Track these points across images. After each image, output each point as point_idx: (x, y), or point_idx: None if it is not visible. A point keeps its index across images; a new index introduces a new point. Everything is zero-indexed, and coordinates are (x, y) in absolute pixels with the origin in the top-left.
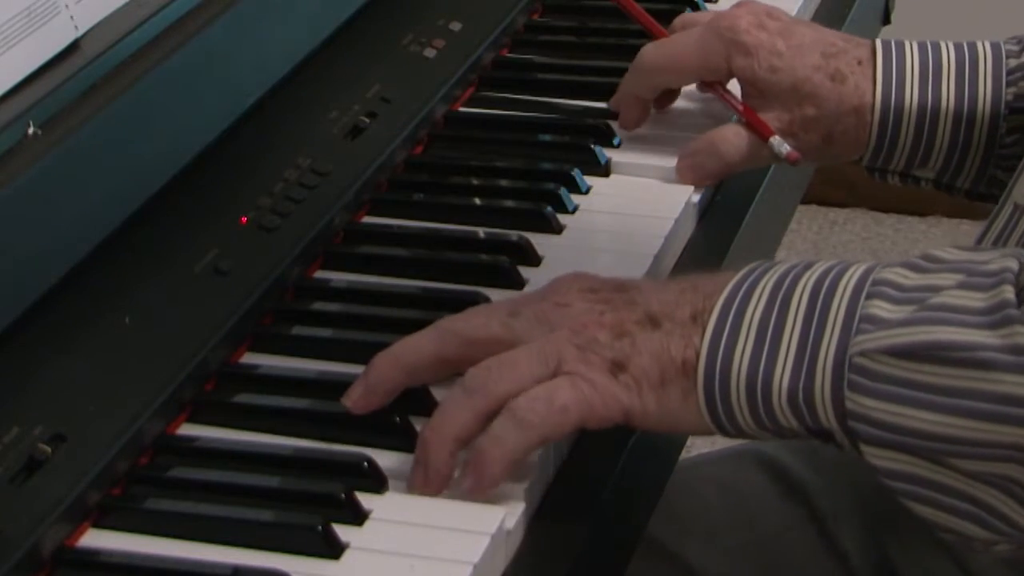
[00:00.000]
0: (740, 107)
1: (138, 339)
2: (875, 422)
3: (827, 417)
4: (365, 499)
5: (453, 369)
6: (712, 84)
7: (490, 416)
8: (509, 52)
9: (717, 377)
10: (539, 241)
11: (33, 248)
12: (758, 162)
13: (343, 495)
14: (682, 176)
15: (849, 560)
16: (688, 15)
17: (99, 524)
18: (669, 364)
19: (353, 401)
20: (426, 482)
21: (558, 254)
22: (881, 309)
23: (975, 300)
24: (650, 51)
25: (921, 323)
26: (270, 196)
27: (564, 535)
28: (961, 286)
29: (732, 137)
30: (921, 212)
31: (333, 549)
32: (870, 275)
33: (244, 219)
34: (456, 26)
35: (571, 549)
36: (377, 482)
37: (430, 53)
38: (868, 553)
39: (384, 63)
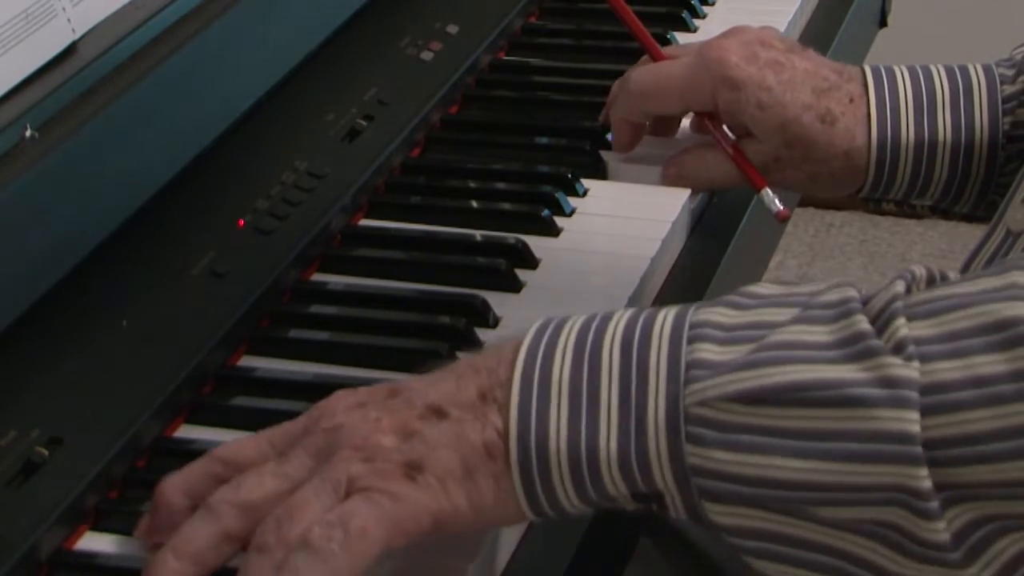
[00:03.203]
0: (731, 150)
1: (135, 342)
2: (727, 476)
3: (663, 478)
4: None
5: (246, 542)
6: (703, 120)
7: None
8: (506, 55)
9: (534, 452)
10: (536, 244)
11: (30, 251)
12: (743, 184)
13: None
14: (666, 182)
15: None
16: (683, 45)
17: (97, 527)
18: (470, 451)
19: None
20: None
21: (555, 257)
22: (710, 352)
23: (820, 334)
24: (638, 75)
25: (766, 364)
26: (267, 199)
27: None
28: (798, 320)
29: (716, 163)
30: (918, 215)
31: None
32: (686, 319)
33: (241, 222)
34: (453, 29)
35: (579, 526)
36: None
37: (427, 56)
38: None
39: (381, 66)
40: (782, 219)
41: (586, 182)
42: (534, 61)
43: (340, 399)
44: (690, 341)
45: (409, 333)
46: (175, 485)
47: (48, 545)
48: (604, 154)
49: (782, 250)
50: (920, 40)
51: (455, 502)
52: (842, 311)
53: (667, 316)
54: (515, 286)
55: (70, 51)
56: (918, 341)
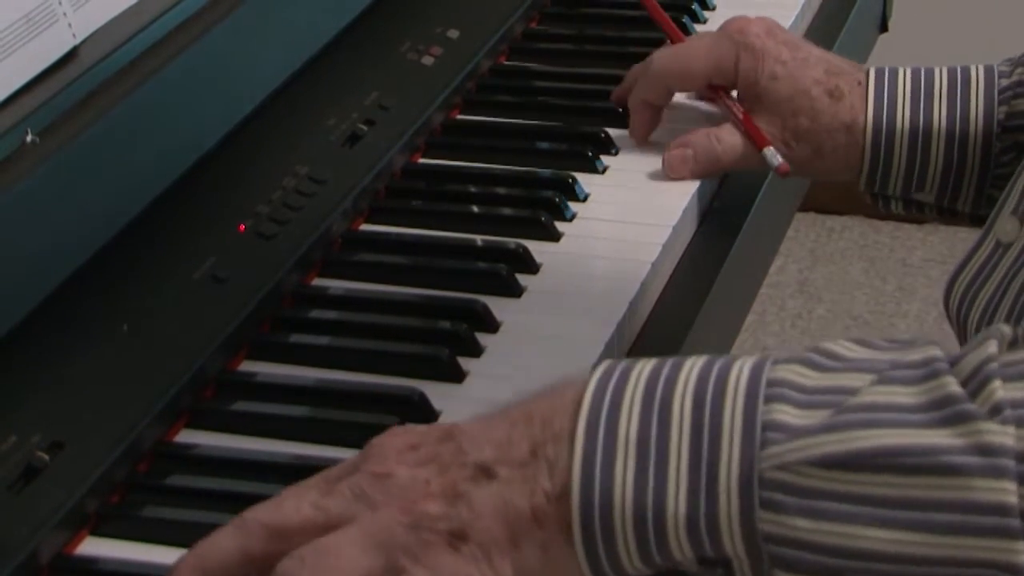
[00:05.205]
0: (740, 114)
1: (136, 346)
2: (806, 544)
3: (732, 543)
4: None
5: (269, 568)
6: (716, 89)
7: None
8: (507, 60)
9: (597, 509)
10: (537, 249)
11: (31, 255)
12: (747, 165)
13: None
14: (670, 167)
15: None
16: (704, 31)
17: (97, 532)
18: (516, 519)
19: None
20: None
21: (556, 262)
22: (787, 415)
23: (905, 396)
24: (661, 55)
25: (851, 427)
26: (268, 204)
27: None
28: (882, 381)
29: (727, 136)
30: (919, 220)
31: None
32: (762, 375)
33: (242, 227)
34: (454, 34)
35: None
36: None
37: (428, 61)
38: None
39: (382, 70)
40: (783, 173)
41: (587, 187)
42: (535, 66)
43: (394, 438)
44: (767, 400)
45: (410, 338)
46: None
47: (49, 550)
48: (605, 159)
49: (783, 254)
50: (921, 44)
51: (499, 571)
52: (929, 372)
53: (742, 370)
54: (516, 291)
55: (71, 56)
56: (1015, 404)
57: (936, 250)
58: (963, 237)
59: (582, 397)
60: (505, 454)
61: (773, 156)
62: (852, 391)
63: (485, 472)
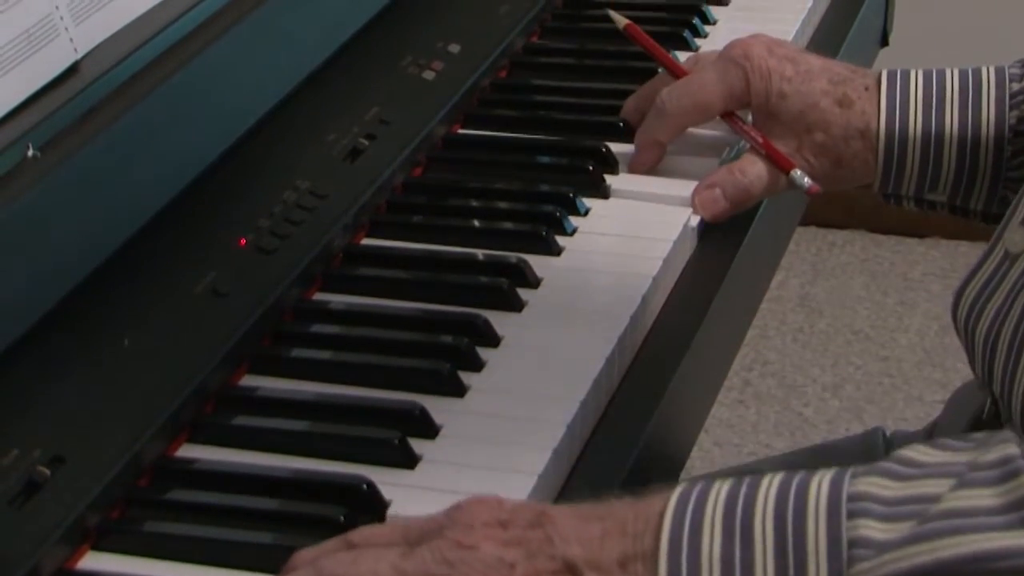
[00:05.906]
0: (760, 139)
1: (137, 361)
2: None
3: None
4: (365, 522)
5: None
6: (730, 117)
7: None
8: (508, 74)
9: None
10: (538, 263)
11: (32, 270)
12: (777, 191)
13: (342, 518)
14: (703, 208)
15: None
16: (698, 54)
17: (98, 546)
18: None
19: None
20: None
21: (557, 276)
22: (872, 530)
23: (987, 498)
24: (672, 97)
25: (938, 536)
26: (269, 218)
27: None
28: (962, 485)
29: (751, 167)
30: (920, 234)
31: None
32: (841, 490)
33: (243, 241)
34: (455, 48)
35: None
36: (377, 504)
37: (429, 75)
38: None
39: (383, 85)
40: (814, 194)
41: (588, 201)
42: (536, 80)
43: (484, 509)
44: (850, 516)
45: (411, 352)
46: (305, 555)
47: (50, 565)
48: (606, 173)
49: (784, 269)
50: (921, 58)
51: None
52: (1008, 472)
53: (821, 486)
54: (517, 305)
55: (72, 71)
56: None
57: (938, 264)
58: (964, 251)
59: (664, 514)
60: (595, 557)
61: (801, 178)
62: (934, 498)
63: (571, 570)
